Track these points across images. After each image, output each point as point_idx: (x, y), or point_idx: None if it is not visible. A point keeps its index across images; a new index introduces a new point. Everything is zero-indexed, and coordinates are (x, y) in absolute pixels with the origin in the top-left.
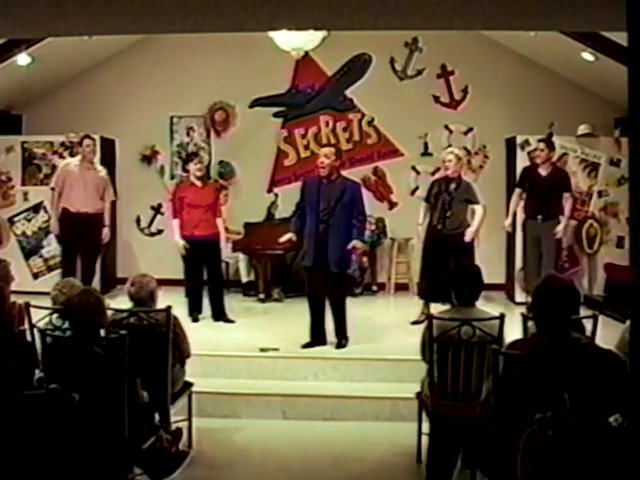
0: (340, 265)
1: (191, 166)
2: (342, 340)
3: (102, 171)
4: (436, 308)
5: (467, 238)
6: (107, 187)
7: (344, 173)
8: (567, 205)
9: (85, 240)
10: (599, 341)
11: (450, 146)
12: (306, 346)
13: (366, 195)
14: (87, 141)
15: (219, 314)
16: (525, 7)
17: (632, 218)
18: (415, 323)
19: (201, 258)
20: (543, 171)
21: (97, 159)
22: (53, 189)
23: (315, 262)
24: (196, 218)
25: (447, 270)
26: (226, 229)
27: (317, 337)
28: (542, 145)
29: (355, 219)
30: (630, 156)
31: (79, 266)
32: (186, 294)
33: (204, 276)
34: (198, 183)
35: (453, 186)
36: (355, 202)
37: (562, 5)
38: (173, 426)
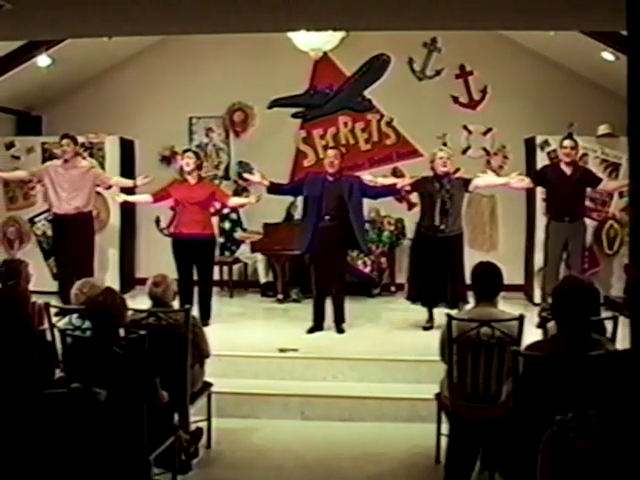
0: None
1: (182, 162)
2: (342, 325)
3: (85, 166)
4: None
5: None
6: (98, 176)
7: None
8: (612, 185)
9: (73, 245)
10: (620, 342)
11: (469, 147)
12: (310, 331)
13: None
14: (63, 141)
15: (204, 317)
16: (544, 7)
17: (632, 218)
18: (426, 329)
19: (190, 258)
20: (568, 170)
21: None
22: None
23: (325, 247)
24: (185, 216)
25: (439, 273)
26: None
27: (319, 322)
28: (572, 143)
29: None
30: (630, 157)
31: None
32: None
33: (194, 276)
34: (191, 180)
35: (447, 181)
36: (365, 187)
37: (581, 4)
38: (192, 426)
